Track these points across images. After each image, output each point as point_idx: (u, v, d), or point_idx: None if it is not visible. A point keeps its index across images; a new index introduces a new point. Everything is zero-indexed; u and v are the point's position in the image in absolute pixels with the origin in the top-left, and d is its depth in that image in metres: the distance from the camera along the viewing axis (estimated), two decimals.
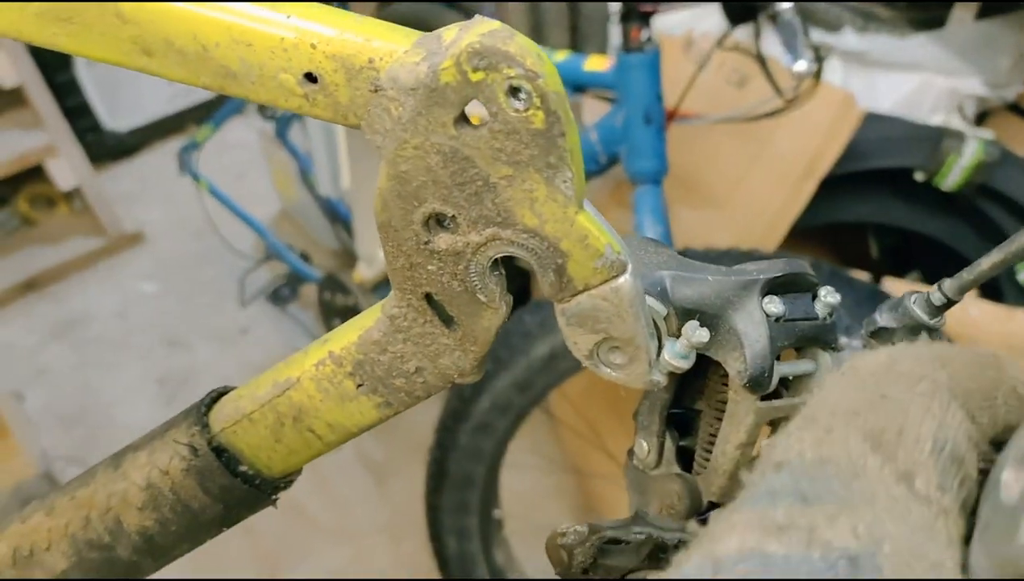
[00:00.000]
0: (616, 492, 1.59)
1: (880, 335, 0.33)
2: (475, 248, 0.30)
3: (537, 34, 2.05)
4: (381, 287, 1.73)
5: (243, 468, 0.37)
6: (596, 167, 1.27)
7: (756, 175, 1.45)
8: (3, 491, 1.70)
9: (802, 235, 1.50)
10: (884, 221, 1.57)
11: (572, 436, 1.68)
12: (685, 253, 1.18)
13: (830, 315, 0.34)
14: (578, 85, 1.29)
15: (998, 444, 0.22)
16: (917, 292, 0.33)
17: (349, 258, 2.08)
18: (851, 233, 1.73)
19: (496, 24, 0.27)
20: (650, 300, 0.32)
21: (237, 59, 0.28)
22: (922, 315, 0.32)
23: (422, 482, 1.38)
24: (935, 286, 0.32)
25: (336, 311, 1.86)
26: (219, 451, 0.37)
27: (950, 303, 0.32)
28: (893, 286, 1.25)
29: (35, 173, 2.62)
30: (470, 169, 0.28)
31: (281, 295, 2.25)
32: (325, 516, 1.81)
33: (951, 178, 1.40)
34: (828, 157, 1.38)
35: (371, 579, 1.68)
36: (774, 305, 0.32)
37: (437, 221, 0.30)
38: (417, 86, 0.27)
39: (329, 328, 1.93)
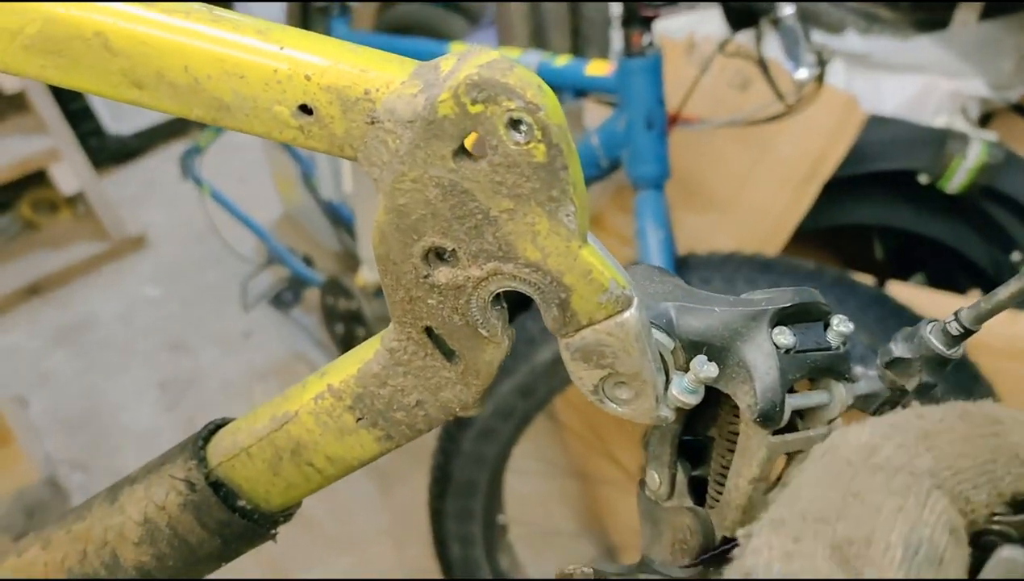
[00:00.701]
0: (621, 497, 1.58)
1: (896, 366, 0.32)
2: (476, 282, 0.29)
3: (538, 37, 2.04)
4: None
5: (241, 502, 0.37)
6: (598, 172, 1.26)
7: (759, 179, 1.44)
8: (6, 497, 1.69)
9: (805, 239, 1.49)
10: (888, 224, 1.56)
11: (576, 441, 1.67)
12: (688, 258, 1.15)
13: (843, 344, 0.33)
14: (580, 90, 1.28)
15: (1018, 504, 0.21)
16: (934, 321, 0.32)
17: (352, 261, 2.07)
18: (855, 236, 1.72)
19: (495, 54, 0.26)
20: (657, 333, 0.31)
21: (230, 91, 0.27)
22: (939, 346, 0.31)
23: (426, 488, 1.37)
24: (951, 315, 0.31)
25: (339, 315, 1.85)
26: (217, 485, 0.36)
27: (968, 333, 0.31)
28: (898, 289, 1.24)
29: (38, 178, 2.61)
30: (470, 202, 0.27)
31: (284, 299, 2.24)
32: (329, 522, 1.81)
33: (955, 180, 1.39)
34: (831, 160, 1.37)
35: None
36: (784, 336, 0.31)
37: (437, 255, 0.29)
38: (414, 119, 0.26)
39: (332, 332, 1.92)
